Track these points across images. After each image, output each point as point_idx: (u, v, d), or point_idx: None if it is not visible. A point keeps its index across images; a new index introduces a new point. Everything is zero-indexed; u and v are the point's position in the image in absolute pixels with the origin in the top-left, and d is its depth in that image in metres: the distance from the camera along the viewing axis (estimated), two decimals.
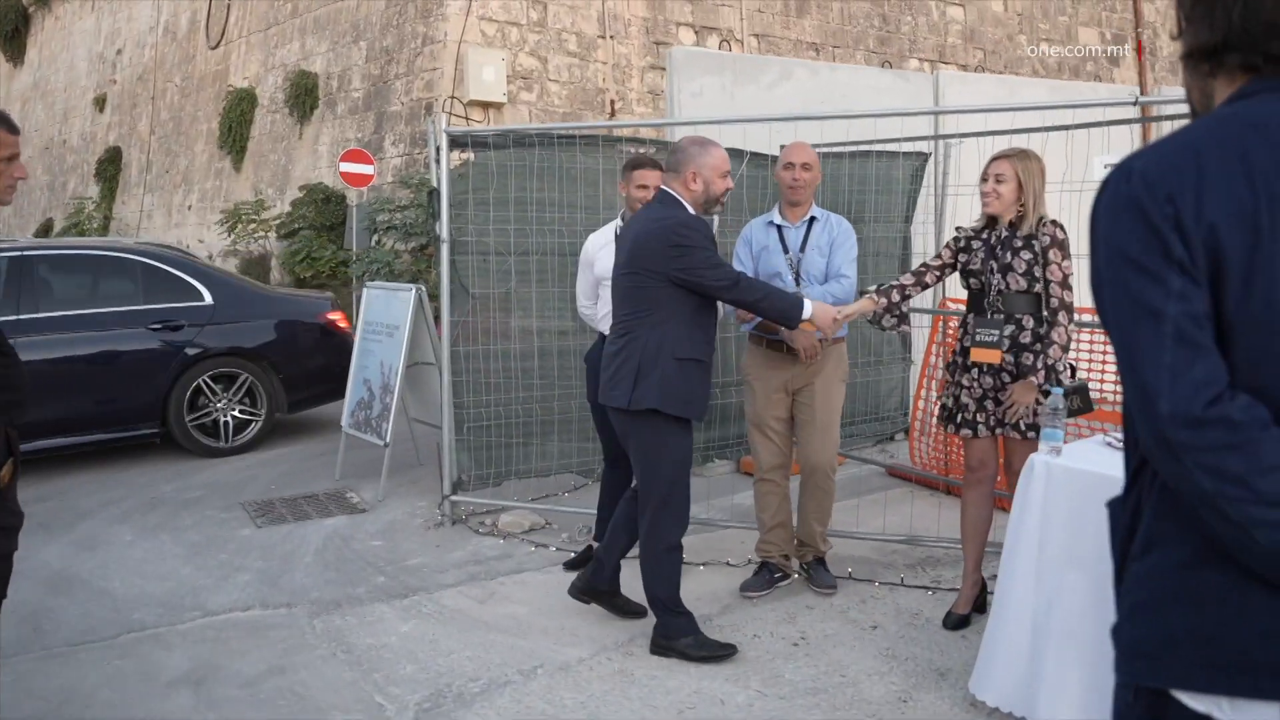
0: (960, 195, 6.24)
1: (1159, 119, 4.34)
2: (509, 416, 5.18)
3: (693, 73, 6.18)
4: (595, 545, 4.38)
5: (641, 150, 5.21)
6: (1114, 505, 1.42)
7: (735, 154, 5.64)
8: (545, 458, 5.32)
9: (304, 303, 7.47)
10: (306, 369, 7.10)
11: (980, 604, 3.77)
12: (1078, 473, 2.94)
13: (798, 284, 3.96)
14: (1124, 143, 7.13)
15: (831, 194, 5.91)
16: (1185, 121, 1.40)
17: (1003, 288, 3.51)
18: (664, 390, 3.33)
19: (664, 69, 15.44)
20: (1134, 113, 4.53)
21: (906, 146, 6.22)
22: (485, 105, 13.80)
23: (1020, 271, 3.48)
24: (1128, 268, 1.27)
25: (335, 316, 7.30)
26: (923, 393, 5.74)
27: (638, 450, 3.49)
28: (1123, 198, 1.29)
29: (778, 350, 4.04)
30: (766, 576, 4.15)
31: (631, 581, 3.73)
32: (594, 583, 3.76)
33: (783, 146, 4.19)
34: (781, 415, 4.09)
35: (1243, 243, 1.23)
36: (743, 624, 3.80)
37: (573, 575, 4.25)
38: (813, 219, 4.06)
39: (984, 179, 3.53)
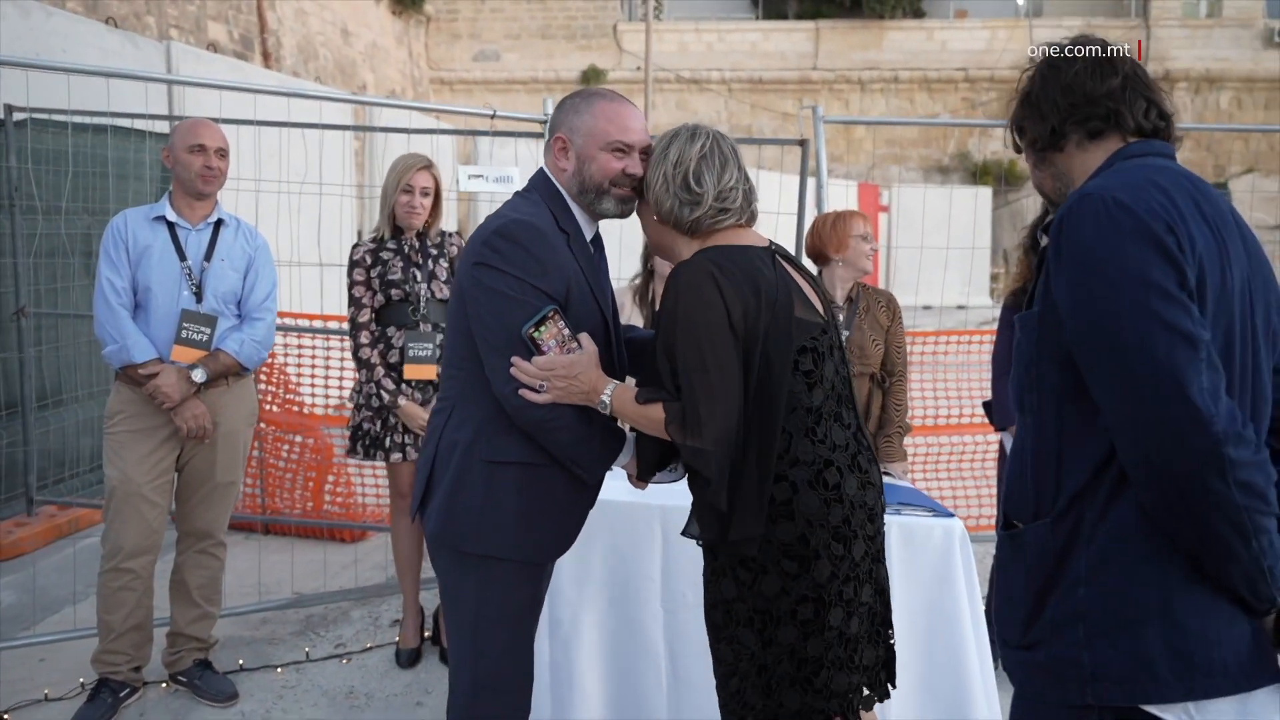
0: (242, 190, 5.39)
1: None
2: None
3: None
4: None
5: None
6: (1032, 533, 1.39)
7: None
8: None
9: None
10: None
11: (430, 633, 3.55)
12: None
13: (199, 302, 3.00)
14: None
15: (55, 176, 4.64)
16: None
17: (429, 296, 3.34)
18: (454, 509, 1.93)
19: None
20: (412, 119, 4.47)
21: (142, 124, 5.19)
22: None
23: (443, 280, 3.37)
24: (1154, 295, 1.27)
25: None
26: None
27: (442, 597, 2.10)
28: (1127, 225, 1.30)
29: None
30: (109, 700, 3.02)
31: None
32: None
33: (177, 121, 3.23)
34: (164, 479, 3.01)
35: (1213, 280, 1.34)
36: None
37: None
38: (220, 222, 3.12)
39: (407, 190, 3.29)
